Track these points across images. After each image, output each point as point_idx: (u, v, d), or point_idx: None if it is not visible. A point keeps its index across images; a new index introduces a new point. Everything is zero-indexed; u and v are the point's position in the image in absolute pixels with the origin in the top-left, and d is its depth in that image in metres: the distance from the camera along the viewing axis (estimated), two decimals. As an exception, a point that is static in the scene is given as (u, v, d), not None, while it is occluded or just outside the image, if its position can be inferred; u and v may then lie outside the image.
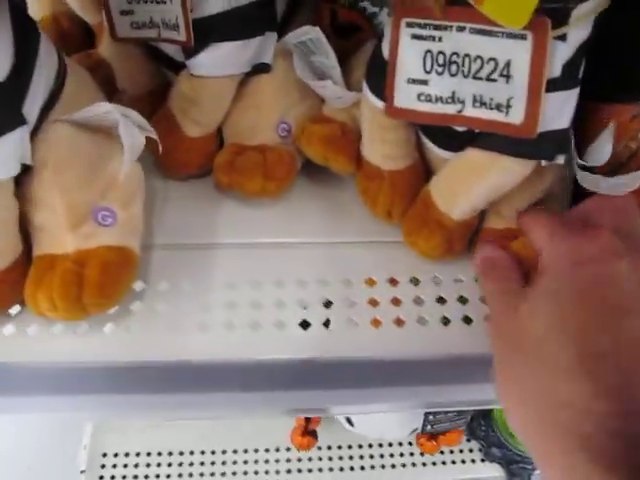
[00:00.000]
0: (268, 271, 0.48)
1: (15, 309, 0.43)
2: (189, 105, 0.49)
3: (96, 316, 0.42)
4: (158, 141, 0.43)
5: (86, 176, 0.42)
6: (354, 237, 0.51)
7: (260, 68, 0.48)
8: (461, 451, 1.09)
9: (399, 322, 0.45)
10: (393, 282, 0.47)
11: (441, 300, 0.46)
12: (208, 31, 0.45)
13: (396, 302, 0.47)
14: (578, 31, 0.36)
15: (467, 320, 0.46)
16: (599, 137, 0.46)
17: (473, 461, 1.08)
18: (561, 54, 0.37)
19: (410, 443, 1.04)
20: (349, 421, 0.89)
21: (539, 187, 0.46)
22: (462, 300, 0.47)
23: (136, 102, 0.53)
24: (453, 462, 1.07)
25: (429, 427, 0.85)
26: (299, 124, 0.50)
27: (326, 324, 0.45)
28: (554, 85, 0.37)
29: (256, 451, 1.04)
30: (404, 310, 0.46)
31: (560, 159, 0.42)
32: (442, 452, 1.08)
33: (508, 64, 0.36)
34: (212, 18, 0.44)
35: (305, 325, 0.45)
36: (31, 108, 0.38)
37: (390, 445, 1.04)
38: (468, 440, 1.10)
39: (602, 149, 0.46)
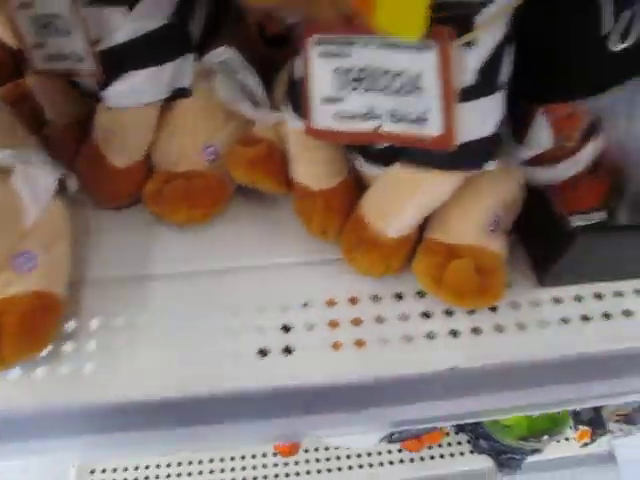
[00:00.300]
0: (207, 300, 0.46)
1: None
2: (110, 136, 0.47)
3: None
4: (72, 185, 0.41)
5: (3, 224, 0.40)
6: (294, 257, 0.49)
7: (180, 93, 0.46)
8: (449, 444, 1.08)
9: (360, 343, 0.44)
10: (352, 300, 0.47)
11: (380, 319, 0.45)
12: (118, 61, 0.43)
13: (357, 322, 0.46)
14: (487, 36, 0.35)
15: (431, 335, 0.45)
16: (532, 124, 0.44)
17: (462, 454, 1.07)
18: (472, 61, 0.35)
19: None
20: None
21: (492, 201, 0.44)
22: (403, 318, 0.45)
23: (64, 132, 0.52)
24: (442, 456, 1.06)
25: (396, 435, 0.84)
26: (227, 146, 0.48)
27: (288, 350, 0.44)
28: (469, 94, 0.35)
29: (243, 458, 1.03)
30: (360, 330, 0.45)
31: (490, 165, 0.40)
32: (430, 447, 1.07)
33: (418, 76, 0.35)
34: (121, 47, 0.42)
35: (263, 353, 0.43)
36: None
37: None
38: (457, 433, 1.09)
39: (540, 140, 0.44)
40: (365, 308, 0.46)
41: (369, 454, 1.05)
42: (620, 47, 0.38)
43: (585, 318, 0.47)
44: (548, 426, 0.93)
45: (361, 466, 1.04)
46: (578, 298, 0.48)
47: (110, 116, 0.46)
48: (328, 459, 1.05)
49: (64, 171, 0.41)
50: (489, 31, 0.34)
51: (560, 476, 1.11)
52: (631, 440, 1.10)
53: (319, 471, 1.03)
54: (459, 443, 1.08)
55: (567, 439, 1.06)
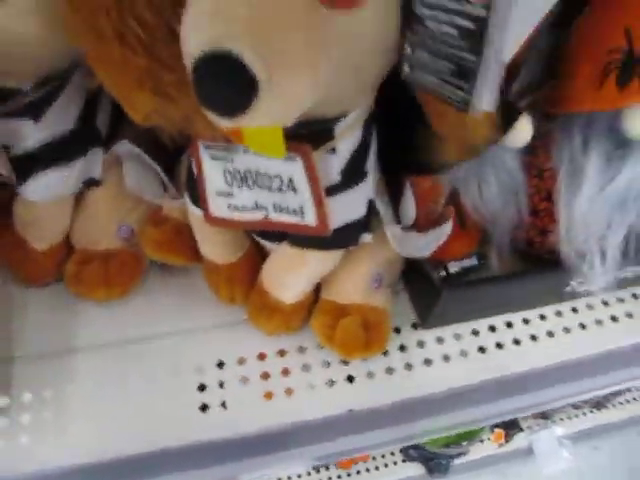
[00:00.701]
0: (129, 367, 0.51)
1: None
2: (29, 225, 0.51)
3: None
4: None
5: None
6: (207, 320, 0.54)
7: (90, 183, 0.51)
8: (383, 456, 1.15)
9: (269, 395, 0.51)
10: (261, 357, 0.53)
11: (285, 372, 0.51)
12: (31, 163, 0.47)
13: (265, 376, 0.52)
14: (346, 142, 0.41)
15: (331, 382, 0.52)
16: (401, 202, 0.52)
17: (395, 463, 1.14)
18: (336, 163, 0.42)
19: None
20: None
21: (373, 263, 0.51)
22: (306, 368, 0.52)
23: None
24: (376, 468, 1.13)
25: (319, 462, 0.90)
26: (140, 224, 0.54)
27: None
28: (336, 189, 0.42)
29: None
30: (268, 383, 0.51)
31: (366, 238, 0.47)
32: (364, 460, 1.13)
33: (290, 179, 0.41)
34: (33, 152, 0.47)
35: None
36: None
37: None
38: (389, 444, 1.16)
39: (407, 209, 0.52)
40: (272, 362, 0.52)
41: (308, 473, 1.10)
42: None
43: (463, 353, 0.55)
44: (465, 433, 1.02)
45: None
46: (457, 336, 0.56)
47: (27, 208, 0.50)
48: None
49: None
50: (347, 138, 0.41)
51: (485, 473, 1.20)
52: (546, 433, 1.20)
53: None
54: (392, 454, 1.15)
55: (489, 438, 1.15)
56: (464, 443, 1.00)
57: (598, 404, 1.20)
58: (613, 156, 0.48)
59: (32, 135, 0.46)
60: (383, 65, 0.37)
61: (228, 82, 0.27)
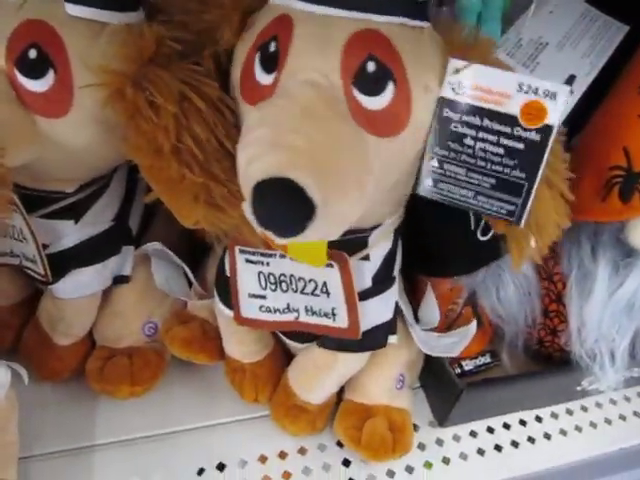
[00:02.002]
0: (150, 465, 0.51)
1: None
2: (56, 321, 0.52)
3: None
4: (22, 372, 0.45)
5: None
6: (227, 417, 0.55)
7: (120, 280, 0.52)
8: None
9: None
10: (282, 455, 0.53)
11: (306, 470, 0.51)
12: (66, 261, 0.49)
13: (287, 476, 0.52)
14: (378, 249, 0.44)
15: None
16: (422, 304, 0.54)
17: None
18: (368, 270, 0.44)
19: None
20: None
21: (397, 364, 0.53)
22: (326, 467, 0.52)
23: (7, 313, 0.56)
24: None
25: None
26: (165, 321, 0.55)
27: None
28: (368, 294, 0.44)
29: None
30: None
31: (392, 339, 0.49)
32: None
33: (325, 284, 0.43)
34: (69, 250, 0.49)
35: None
36: None
37: None
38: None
39: (430, 312, 0.54)
40: (293, 461, 0.52)
41: None
42: (484, 238, 0.48)
43: (480, 452, 0.55)
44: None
45: None
46: (473, 434, 0.57)
47: (55, 305, 0.51)
48: None
49: (15, 364, 0.45)
50: (380, 246, 0.44)
51: None
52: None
53: None
54: None
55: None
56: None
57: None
58: (620, 264, 0.51)
59: (71, 234, 0.48)
60: (413, 181, 0.40)
61: (287, 206, 0.30)
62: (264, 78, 0.35)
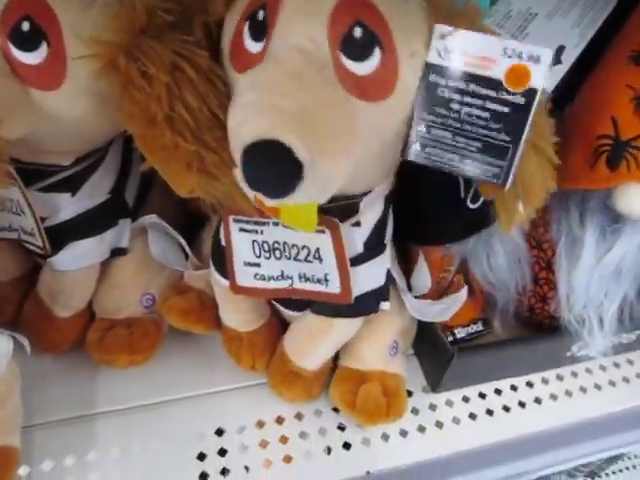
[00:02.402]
0: (149, 432, 0.52)
1: None
2: (55, 293, 0.53)
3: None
4: (24, 341, 0.46)
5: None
6: (224, 385, 0.56)
7: (118, 252, 0.53)
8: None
9: (288, 459, 0.52)
10: (279, 420, 0.55)
11: (303, 435, 0.54)
12: (64, 234, 0.50)
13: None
14: (369, 216, 0.45)
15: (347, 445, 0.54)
16: (414, 272, 0.55)
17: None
18: (359, 236, 0.45)
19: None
20: None
21: (391, 331, 0.54)
22: (322, 432, 0.53)
23: (7, 287, 0.57)
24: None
25: None
26: (162, 292, 0.56)
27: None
28: (359, 260, 0.45)
29: None
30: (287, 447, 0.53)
31: (384, 306, 0.50)
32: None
33: (317, 250, 0.44)
34: (66, 223, 0.50)
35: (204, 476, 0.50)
36: None
37: None
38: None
39: (422, 279, 0.55)
40: (290, 426, 0.54)
41: None
42: (474, 206, 0.49)
43: (472, 416, 0.57)
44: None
45: None
46: (465, 399, 0.58)
47: (54, 277, 0.53)
48: None
49: (17, 335, 0.46)
50: (370, 212, 0.45)
51: None
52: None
53: None
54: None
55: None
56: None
57: (592, 473, 1.20)
58: (608, 230, 0.52)
59: (68, 207, 0.49)
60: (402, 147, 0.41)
61: (276, 167, 0.31)
62: (253, 46, 0.36)
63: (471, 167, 0.39)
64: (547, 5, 0.60)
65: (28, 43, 0.38)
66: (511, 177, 0.38)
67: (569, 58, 0.57)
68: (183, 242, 0.53)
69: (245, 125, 0.31)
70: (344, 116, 0.34)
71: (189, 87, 0.36)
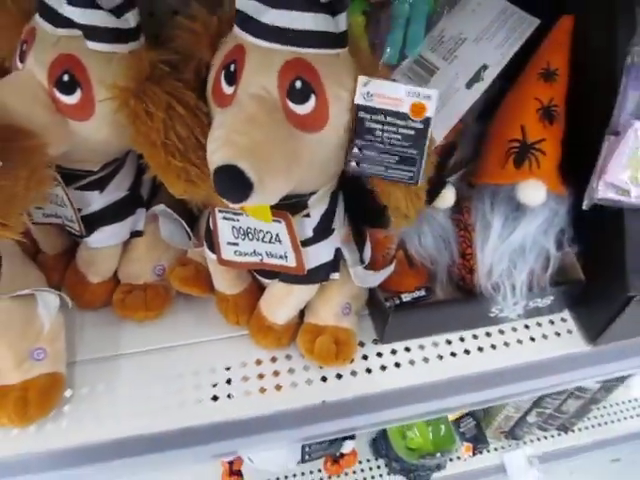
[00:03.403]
0: (166, 369, 0.69)
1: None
2: (88, 264, 0.71)
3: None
4: (67, 299, 0.64)
5: (22, 332, 0.62)
6: (219, 335, 0.73)
7: (136, 234, 0.71)
8: (370, 469, 1.30)
9: (262, 390, 0.69)
10: (258, 362, 0.71)
11: (276, 373, 0.70)
12: (95, 221, 0.67)
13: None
14: (317, 209, 0.60)
15: (309, 381, 0.70)
16: (366, 242, 0.70)
17: (381, 476, 1.30)
18: (309, 224, 0.60)
19: (318, 470, 1.25)
20: (250, 460, 1.12)
21: (342, 295, 0.70)
22: (291, 371, 0.70)
23: (53, 260, 0.75)
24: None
25: (307, 457, 1.08)
26: (170, 264, 0.73)
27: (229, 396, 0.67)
28: (309, 242, 0.61)
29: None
30: (262, 381, 0.69)
31: (335, 276, 0.66)
32: (354, 471, 1.28)
33: (277, 235, 0.60)
34: (96, 212, 0.66)
35: (199, 401, 0.67)
36: None
37: (297, 475, 1.25)
38: (376, 459, 1.32)
39: (366, 254, 0.71)
40: (266, 366, 0.70)
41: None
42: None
43: (411, 362, 0.73)
44: (441, 446, 1.18)
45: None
46: (407, 349, 0.74)
47: (89, 253, 0.70)
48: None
49: (61, 293, 0.64)
50: (318, 206, 0.60)
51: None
52: (517, 453, 1.35)
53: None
54: (378, 467, 1.31)
55: (458, 457, 1.31)
56: (438, 454, 1.16)
57: (563, 426, 1.35)
58: (511, 217, 0.67)
59: (98, 201, 0.66)
60: (341, 162, 0.56)
61: (233, 183, 0.45)
62: (227, 89, 0.51)
63: (393, 174, 0.54)
64: (476, 29, 0.72)
65: (68, 89, 0.54)
66: (421, 178, 0.53)
67: (491, 75, 0.71)
68: (185, 225, 0.70)
69: (215, 154, 0.46)
70: (288, 146, 0.48)
71: (180, 121, 0.52)
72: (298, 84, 0.48)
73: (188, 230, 0.71)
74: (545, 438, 1.39)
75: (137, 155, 0.67)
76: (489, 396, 0.74)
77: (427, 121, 0.51)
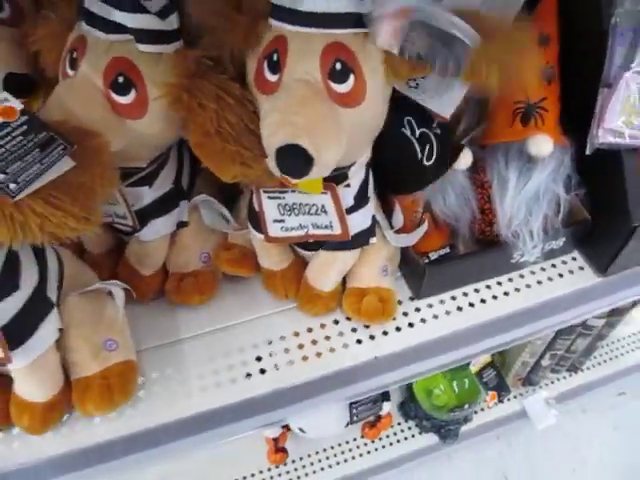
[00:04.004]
0: (220, 347, 0.75)
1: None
2: (140, 257, 0.76)
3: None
4: (133, 292, 0.69)
5: (95, 325, 0.67)
6: (269, 310, 0.79)
7: (181, 224, 0.76)
8: (402, 431, 1.37)
9: (319, 354, 0.75)
10: (309, 330, 0.77)
11: (327, 338, 0.76)
12: (146, 215, 0.72)
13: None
14: (356, 179, 0.66)
15: (359, 341, 0.76)
16: (393, 213, 0.77)
17: (413, 436, 1.37)
18: (350, 193, 0.66)
19: (355, 439, 1.32)
20: (302, 430, 1.18)
21: (380, 258, 0.76)
22: (341, 334, 0.76)
23: (99, 258, 0.80)
24: (398, 441, 1.35)
25: (355, 418, 1.14)
26: (214, 251, 0.79)
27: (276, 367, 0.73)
28: (351, 210, 0.67)
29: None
30: (317, 346, 0.75)
31: (373, 240, 0.72)
32: (388, 436, 1.35)
33: (323, 206, 0.66)
34: (147, 207, 0.71)
35: (262, 371, 0.73)
36: (52, 292, 0.63)
37: (339, 445, 1.31)
38: (406, 421, 1.39)
39: (397, 219, 0.77)
40: (317, 332, 0.77)
41: (335, 455, 1.32)
42: (429, 163, 0.71)
43: (447, 313, 0.80)
44: (467, 398, 1.25)
45: (338, 463, 1.31)
46: (442, 301, 0.81)
47: (140, 245, 0.75)
48: (312, 463, 1.31)
49: (126, 286, 0.69)
50: (356, 176, 0.66)
51: (487, 437, 1.43)
52: (535, 397, 1.44)
53: (306, 474, 1.29)
54: (409, 428, 1.38)
55: (482, 409, 1.38)
56: (466, 406, 1.23)
57: (573, 366, 1.43)
58: (524, 169, 0.74)
59: (147, 196, 0.71)
60: (375, 132, 0.62)
61: (296, 160, 0.51)
62: (271, 77, 0.55)
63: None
64: None
65: (123, 90, 0.59)
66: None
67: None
68: (226, 212, 0.75)
69: (273, 136, 0.51)
70: (335, 121, 0.54)
71: (229, 110, 0.57)
72: (338, 66, 0.53)
73: (228, 215, 0.76)
74: (558, 380, 1.46)
75: (178, 150, 0.72)
76: (517, 335, 0.81)
77: None
